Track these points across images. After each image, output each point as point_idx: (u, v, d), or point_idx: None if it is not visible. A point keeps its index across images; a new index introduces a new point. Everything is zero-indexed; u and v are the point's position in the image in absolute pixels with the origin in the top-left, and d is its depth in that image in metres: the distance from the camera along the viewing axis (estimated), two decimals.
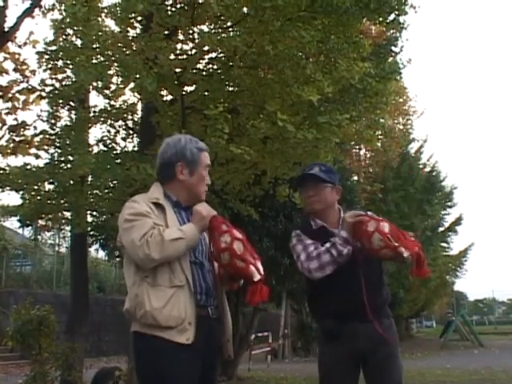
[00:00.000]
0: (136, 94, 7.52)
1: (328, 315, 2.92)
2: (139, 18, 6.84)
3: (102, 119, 8.60)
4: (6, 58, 7.64)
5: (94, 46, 6.68)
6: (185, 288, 2.32)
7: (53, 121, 8.44)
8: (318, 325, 3.04)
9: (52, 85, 8.00)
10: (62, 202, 7.50)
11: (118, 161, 7.47)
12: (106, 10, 7.21)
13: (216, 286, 2.48)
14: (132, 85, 6.66)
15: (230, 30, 6.79)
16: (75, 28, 6.93)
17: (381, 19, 7.00)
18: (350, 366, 2.87)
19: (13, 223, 17.98)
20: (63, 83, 8.04)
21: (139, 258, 2.26)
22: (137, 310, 2.29)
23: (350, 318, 2.82)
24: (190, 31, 6.86)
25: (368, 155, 22.20)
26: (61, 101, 8.32)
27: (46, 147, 7.93)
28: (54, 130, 8.33)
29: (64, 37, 7.57)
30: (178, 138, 2.57)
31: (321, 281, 2.86)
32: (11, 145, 7.51)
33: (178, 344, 2.26)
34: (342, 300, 2.83)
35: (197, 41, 6.75)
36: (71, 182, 7.34)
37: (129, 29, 6.95)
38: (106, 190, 7.72)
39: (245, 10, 6.33)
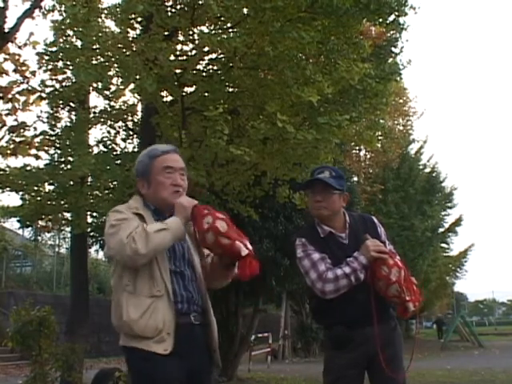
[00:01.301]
0: (136, 94, 7.51)
1: (338, 322, 2.90)
2: (139, 19, 6.84)
3: (102, 120, 8.62)
4: (6, 59, 7.62)
5: (94, 46, 6.68)
6: (163, 298, 2.31)
7: (53, 122, 8.45)
8: (327, 331, 3.02)
9: (52, 86, 8.01)
10: (62, 202, 7.50)
11: (118, 162, 7.48)
12: (106, 11, 7.22)
13: (200, 294, 2.47)
14: (132, 86, 6.66)
15: (230, 30, 6.79)
16: (75, 29, 6.94)
17: (381, 20, 7.01)
18: (360, 371, 2.89)
19: (13, 224, 18.03)
20: (63, 84, 8.05)
21: (127, 255, 2.24)
22: (118, 319, 2.33)
23: (360, 323, 2.83)
24: (190, 32, 6.86)
25: (368, 156, 22.19)
26: (61, 102, 8.33)
27: (46, 148, 7.93)
28: (54, 130, 8.34)
29: (64, 38, 7.58)
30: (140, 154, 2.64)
31: None
32: (11, 146, 7.51)
33: (157, 354, 2.26)
34: (352, 307, 2.83)
35: (197, 42, 6.75)
36: (71, 182, 7.35)
37: (129, 30, 6.95)
38: (106, 191, 7.73)
39: (245, 10, 6.34)
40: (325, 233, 2.97)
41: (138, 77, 6.12)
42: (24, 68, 7.76)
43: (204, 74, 7.03)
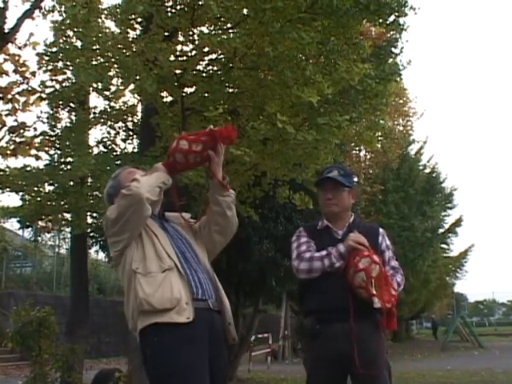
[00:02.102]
0: (136, 95, 7.51)
1: (310, 313, 2.99)
2: (139, 20, 6.84)
3: (102, 120, 8.62)
4: (5, 60, 7.61)
5: (94, 47, 6.68)
6: (174, 271, 2.39)
7: (53, 122, 8.44)
8: (304, 320, 3.13)
9: (52, 86, 8.00)
10: (62, 203, 7.50)
11: (118, 162, 7.47)
12: (106, 12, 7.21)
13: (211, 280, 2.55)
14: (132, 86, 6.66)
15: (230, 31, 6.78)
16: (75, 29, 6.93)
17: (381, 21, 7.01)
18: (331, 368, 2.87)
19: (13, 224, 18.01)
20: (63, 85, 8.04)
21: (131, 199, 2.41)
22: (135, 301, 2.36)
23: (331, 318, 2.86)
24: (190, 32, 6.86)
25: (368, 156, 22.17)
26: (61, 102, 8.33)
27: (46, 149, 7.92)
28: (54, 131, 8.33)
29: (64, 38, 7.57)
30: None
31: (310, 279, 2.95)
32: (11, 146, 7.50)
33: (180, 324, 2.28)
34: (324, 299, 2.89)
35: (197, 42, 6.75)
36: (71, 183, 7.34)
37: (129, 30, 6.95)
38: None
39: (245, 11, 6.34)
40: (322, 225, 3.13)
41: (137, 77, 6.12)
42: (24, 68, 7.76)
43: (204, 74, 7.03)
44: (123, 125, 9.03)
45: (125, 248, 2.49)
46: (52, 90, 7.98)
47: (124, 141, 9.22)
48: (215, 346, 2.41)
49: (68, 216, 8.22)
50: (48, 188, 7.68)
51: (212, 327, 2.41)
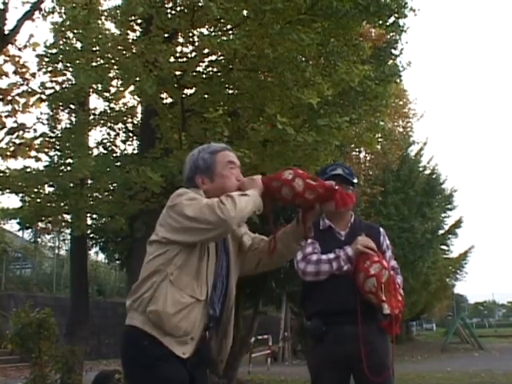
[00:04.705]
0: (136, 96, 7.52)
1: (315, 315, 2.96)
2: (139, 21, 6.86)
3: (102, 122, 8.61)
4: (5, 61, 7.62)
5: (94, 48, 6.69)
6: (202, 304, 2.24)
7: (53, 124, 8.45)
8: (307, 322, 3.07)
9: (52, 87, 8.00)
10: (62, 204, 7.49)
11: (118, 164, 7.47)
12: (105, 13, 7.23)
13: (225, 305, 2.40)
14: (132, 88, 6.67)
15: (230, 32, 6.79)
16: (75, 31, 6.95)
17: (380, 22, 7.03)
18: (338, 369, 2.87)
19: (13, 226, 17.96)
20: (63, 86, 8.04)
21: (220, 223, 2.10)
22: (149, 302, 2.19)
23: (337, 320, 2.85)
24: (190, 34, 6.87)
25: (368, 158, 22.15)
26: (61, 103, 8.33)
27: (45, 150, 7.92)
28: (54, 132, 8.33)
29: (64, 40, 7.58)
30: (192, 152, 2.51)
31: (316, 282, 2.93)
32: (11, 147, 7.50)
33: (173, 354, 2.19)
34: (331, 302, 2.87)
35: (197, 44, 6.76)
36: (71, 184, 7.34)
37: (129, 32, 6.96)
38: (106, 193, 7.73)
39: (245, 13, 6.34)
40: (324, 226, 3.10)
41: (137, 79, 6.12)
42: (24, 70, 7.75)
43: (204, 75, 7.03)
44: (123, 126, 9.02)
45: (172, 243, 2.23)
46: (52, 91, 7.98)
47: (124, 142, 9.22)
48: (198, 369, 2.31)
49: (68, 217, 8.21)
50: (48, 189, 7.68)
51: (201, 352, 2.30)
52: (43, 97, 7.90)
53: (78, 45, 7.22)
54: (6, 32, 6.01)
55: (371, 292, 2.79)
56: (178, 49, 6.93)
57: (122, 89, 7.37)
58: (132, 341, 2.25)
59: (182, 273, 2.21)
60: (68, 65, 7.42)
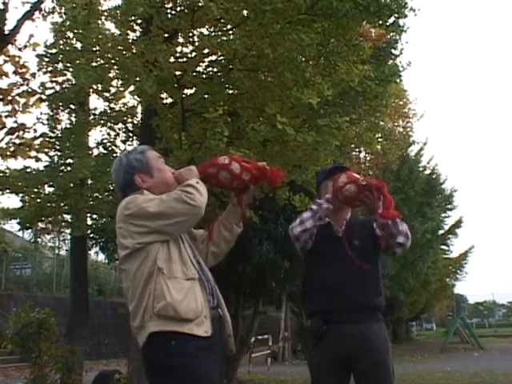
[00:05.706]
0: (136, 96, 7.51)
1: (315, 314, 2.96)
2: (139, 21, 6.85)
3: (102, 122, 8.61)
4: (6, 61, 7.63)
5: (94, 48, 6.69)
6: (197, 280, 2.37)
7: (53, 124, 8.44)
8: (307, 322, 3.07)
9: (52, 88, 8.00)
10: (62, 204, 7.49)
11: None
12: (106, 13, 7.22)
13: (209, 277, 2.55)
14: (132, 88, 6.66)
15: (230, 32, 6.79)
16: (75, 31, 6.94)
17: (380, 22, 7.02)
18: (338, 369, 2.87)
19: (13, 226, 17.96)
20: (63, 86, 8.04)
21: (191, 210, 2.31)
22: (154, 303, 2.25)
23: (337, 319, 2.85)
24: (190, 34, 6.87)
25: (368, 158, 22.17)
26: (61, 104, 8.32)
27: (46, 150, 7.93)
28: (54, 132, 8.33)
29: (64, 40, 7.57)
30: (115, 162, 2.63)
31: (314, 279, 2.97)
32: (11, 148, 7.51)
33: (198, 337, 2.26)
34: (331, 301, 2.87)
35: (197, 44, 6.76)
36: (71, 184, 7.34)
37: (129, 32, 6.96)
38: (106, 193, 7.73)
39: (245, 13, 6.34)
40: (324, 222, 3.08)
41: (137, 79, 6.11)
42: (24, 70, 7.77)
43: (204, 75, 7.03)
44: (123, 126, 9.02)
45: (149, 243, 2.34)
46: (52, 91, 7.99)
47: (124, 142, 9.21)
48: (220, 353, 2.43)
49: (68, 217, 8.22)
50: (48, 189, 7.68)
51: (220, 336, 2.43)
52: (43, 97, 7.91)
53: (78, 45, 7.21)
54: (6, 32, 6.03)
55: (346, 183, 2.86)
56: (178, 49, 6.92)
57: (122, 89, 7.37)
58: (157, 346, 2.28)
59: (171, 263, 2.33)
60: (68, 65, 7.41)
